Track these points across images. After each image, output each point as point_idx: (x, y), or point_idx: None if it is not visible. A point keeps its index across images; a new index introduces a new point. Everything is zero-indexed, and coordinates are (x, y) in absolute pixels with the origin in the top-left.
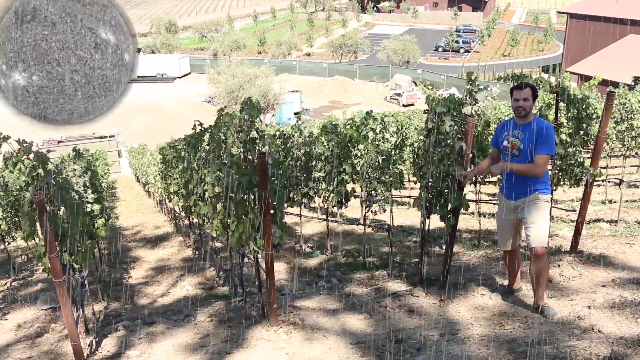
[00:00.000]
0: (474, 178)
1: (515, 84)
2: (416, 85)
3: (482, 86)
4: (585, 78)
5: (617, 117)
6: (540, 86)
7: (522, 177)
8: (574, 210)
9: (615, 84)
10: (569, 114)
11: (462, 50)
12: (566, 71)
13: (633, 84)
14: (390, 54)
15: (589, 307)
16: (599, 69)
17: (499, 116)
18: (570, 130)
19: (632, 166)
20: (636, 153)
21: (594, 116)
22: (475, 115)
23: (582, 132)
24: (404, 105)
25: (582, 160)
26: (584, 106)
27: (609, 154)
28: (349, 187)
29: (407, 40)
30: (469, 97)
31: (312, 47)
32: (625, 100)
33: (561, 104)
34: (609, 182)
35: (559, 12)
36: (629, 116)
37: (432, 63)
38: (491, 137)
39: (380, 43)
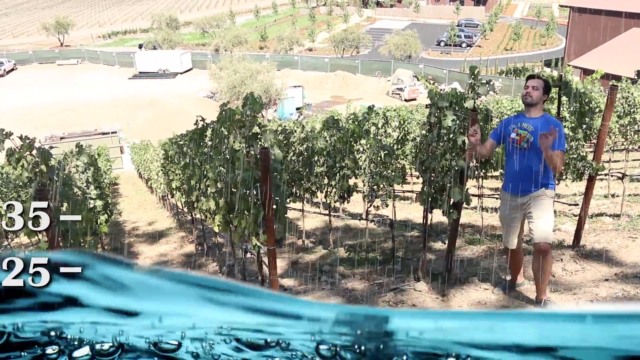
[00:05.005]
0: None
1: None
2: (418, 79)
3: (485, 80)
4: (587, 72)
5: (620, 111)
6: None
7: (530, 173)
8: (577, 205)
9: (618, 78)
10: (572, 108)
11: (464, 45)
12: (568, 65)
13: (636, 77)
14: (392, 48)
15: (592, 302)
16: (602, 62)
17: (501, 110)
18: (573, 124)
19: (635, 160)
20: (639, 147)
21: (597, 110)
22: (477, 110)
23: (584, 126)
24: (406, 100)
25: (584, 154)
26: (586, 100)
27: (612, 148)
28: (351, 182)
29: (408, 35)
30: (471, 92)
31: (314, 42)
32: (628, 94)
33: (563, 98)
34: (612, 176)
35: (561, 6)
36: (631, 110)
37: (434, 57)
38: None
39: (382, 38)
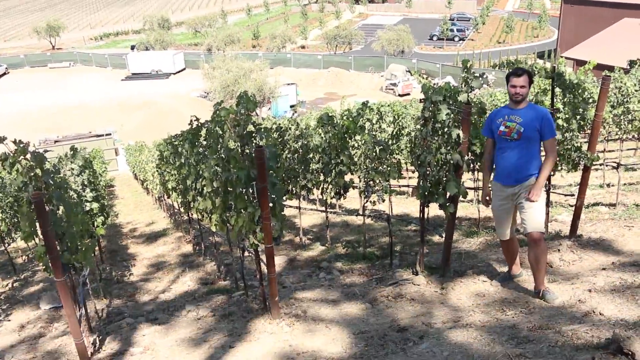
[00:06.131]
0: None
1: (511, 70)
2: (411, 74)
3: (478, 74)
4: (580, 63)
5: (613, 101)
6: (536, 72)
7: (519, 163)
8: (573, 195)
9: (611, 68)
10: (565, 99)
11: (456, 39)
12: (561, 56)
13: (628, 67)
14: (384, 44)
15: (590, 291)
16: (594, 53)
17: (495, 103)
18: (567, 115)
19: (629, 149)
20: (633, 136)
21: (590, 101)
22: (471, 103)
23: (578, 117)
24: (399, 95)
25: (579, 144)
26: (579, 91)
27: (606, 138)
28: (347, 178)
29: (401, 30)
30: (465, 85)
31: (307, 40)
32: (621, 84)
33: (557, 90)
34: (607, 165)
35: None
36: (625, 100)
37: (426, 52)
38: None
39: (374, 33)
